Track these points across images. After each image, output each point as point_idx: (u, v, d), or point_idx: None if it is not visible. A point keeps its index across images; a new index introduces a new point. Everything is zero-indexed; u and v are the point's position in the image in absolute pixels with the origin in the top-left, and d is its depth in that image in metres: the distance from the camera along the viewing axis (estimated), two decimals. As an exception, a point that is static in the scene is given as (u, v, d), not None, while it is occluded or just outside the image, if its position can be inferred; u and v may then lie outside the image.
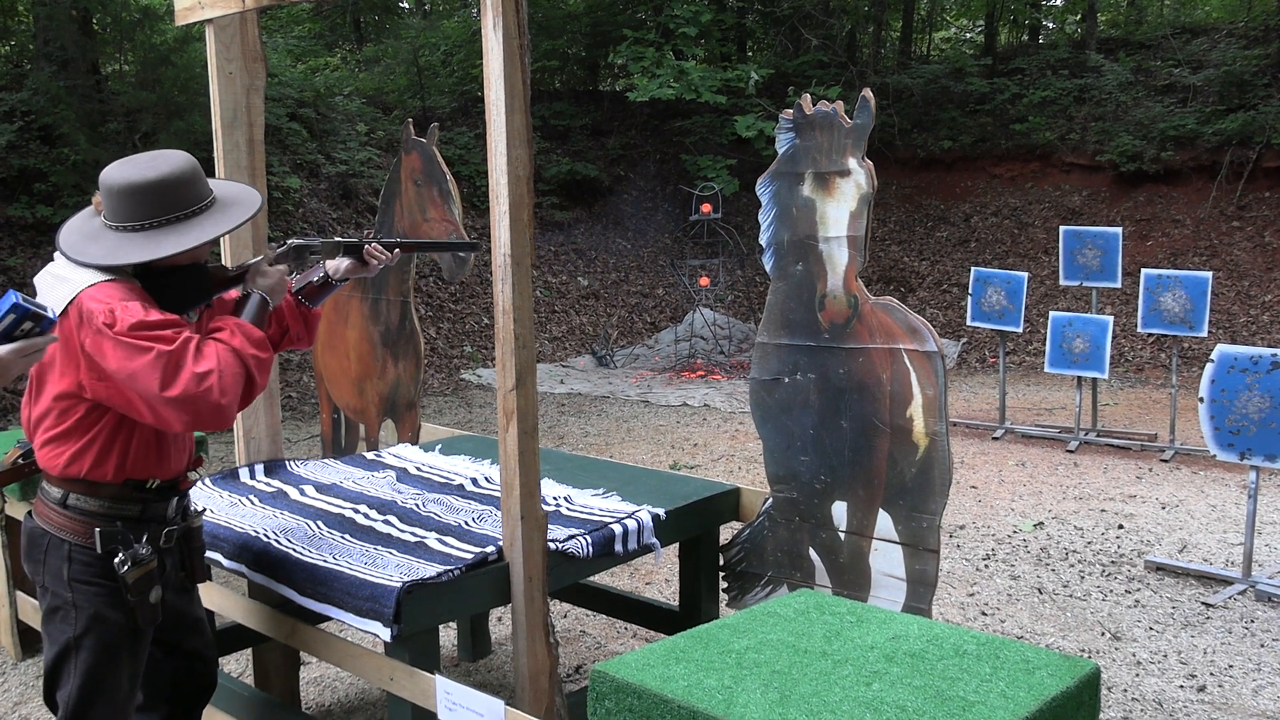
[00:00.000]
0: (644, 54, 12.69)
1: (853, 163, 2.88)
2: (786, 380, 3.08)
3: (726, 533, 3.32)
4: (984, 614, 4.44)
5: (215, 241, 2.36)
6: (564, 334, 12.22)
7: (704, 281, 11.45)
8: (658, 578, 4.89)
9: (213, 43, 3.30)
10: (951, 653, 2.08)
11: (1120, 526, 5.60)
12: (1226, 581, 4.72)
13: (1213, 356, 4.60)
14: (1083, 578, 4.86)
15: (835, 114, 2.90)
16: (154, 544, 2.35)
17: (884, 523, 2.94)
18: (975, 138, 13.99)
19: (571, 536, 2.79)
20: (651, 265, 13.89)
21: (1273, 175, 11.87)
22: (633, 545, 2.90)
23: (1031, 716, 1.85)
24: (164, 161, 2.32)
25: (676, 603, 3.72)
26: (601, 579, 4.43)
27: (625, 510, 3.01)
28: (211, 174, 2.63)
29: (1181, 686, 3.76)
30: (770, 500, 3.17)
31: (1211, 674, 3.86)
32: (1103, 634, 4.21)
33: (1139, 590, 4.70)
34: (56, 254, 2.32)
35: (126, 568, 2.27)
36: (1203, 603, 4.53)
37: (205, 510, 2.71)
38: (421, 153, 3.95)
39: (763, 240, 3.07)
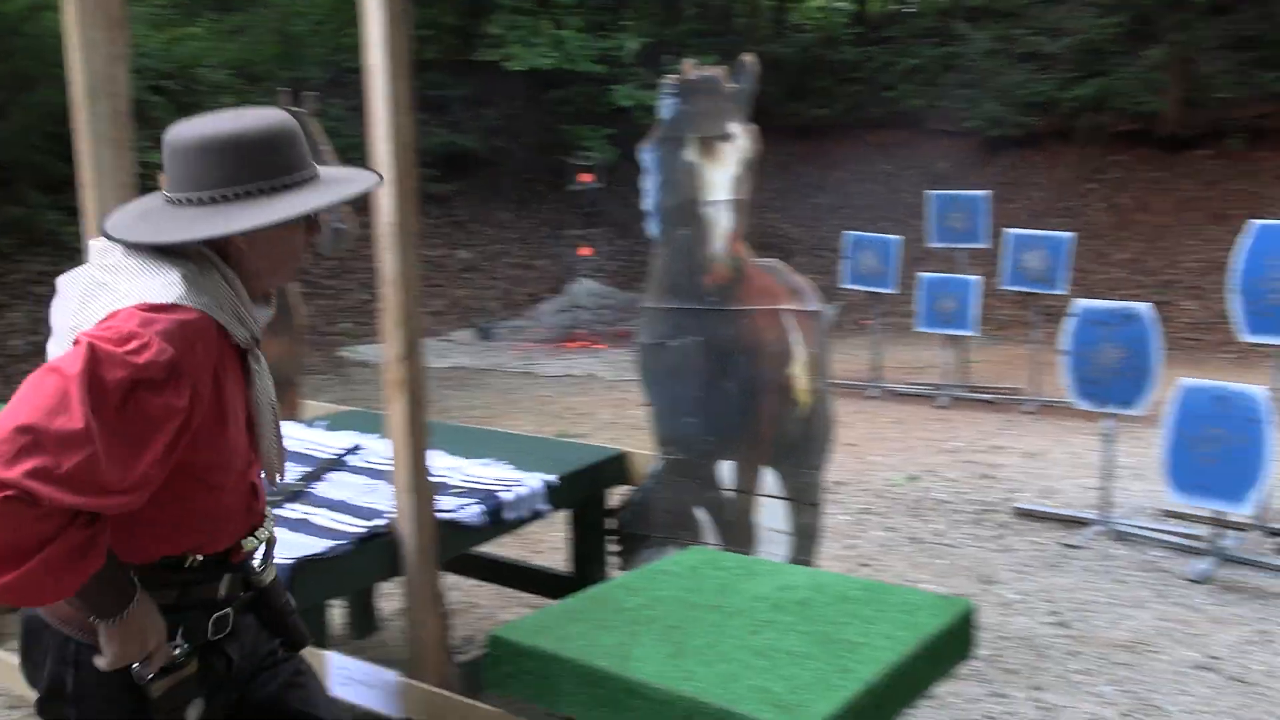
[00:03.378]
0: (520, 23, 12.57)
1: (735, 127, 2.93)
2: (672, 343, 3.13)
3: (616, 498, 3.37)
4: (863, 565, 4.61)
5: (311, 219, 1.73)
6: (444, 308, 12.09)
7: (585, 251, 11.47)
8: (546, 545, 4.92)
9: (73, 8, 3.15)
10: (837, 599, 2.18)
11: (988, 476, 5.86)
12: (1086, 523, 4.99)
13: (1073, 311, 4.84)
14: (954, 526, 5.08)
15: (717, 79, 2.95)
16: (195, 638, 1.64)
17: (769, 480, 3.03)
18: (848, 105, 14.29)
19: (462, 506, 2.79)
20: (532, 236, 13.82)
21: (1126, 139, 12.46)
22: (524, 512, 2.93)
23: (913, 653, 1.95)
24: (255, 116, 1.66)
25: (567, 569, 3.76)
26: (490, 549, 4.44)
27: (515, 478, 3.03)
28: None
29: (1045, 623, 3.98)
30: (658, 463, 3.23)
31: (1072, 610, 4.09)
32: (974, 578, 4.42)
33: (1006, 536, 4.93)
34: (95, 246, 1.63)
35: (151, 678, 1.58)
36: (1064, 544, 4.79)
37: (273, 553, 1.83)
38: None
39: (647, 206, 3.11)
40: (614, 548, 3.39)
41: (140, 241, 1.55)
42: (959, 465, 6.12)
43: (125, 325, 1.44)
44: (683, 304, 3.07)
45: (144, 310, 1.46)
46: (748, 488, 3.07)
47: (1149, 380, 4.68)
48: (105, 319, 1.46)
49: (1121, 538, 4.85)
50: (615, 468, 3.35)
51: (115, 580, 1.51)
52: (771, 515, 3.04)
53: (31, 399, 1.36)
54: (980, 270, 11.03)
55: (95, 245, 1.60)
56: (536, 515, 2.98)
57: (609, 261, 12.78)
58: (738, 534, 3.12)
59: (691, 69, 2.97)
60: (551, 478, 3.04)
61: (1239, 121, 11.69)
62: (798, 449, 2.95)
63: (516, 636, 2.06)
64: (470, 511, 2.78)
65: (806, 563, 2.99)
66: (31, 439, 1.32)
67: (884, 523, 5.18)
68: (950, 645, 2.08)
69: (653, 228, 3.09)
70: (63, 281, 1.63)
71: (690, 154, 2.99)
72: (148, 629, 1.56)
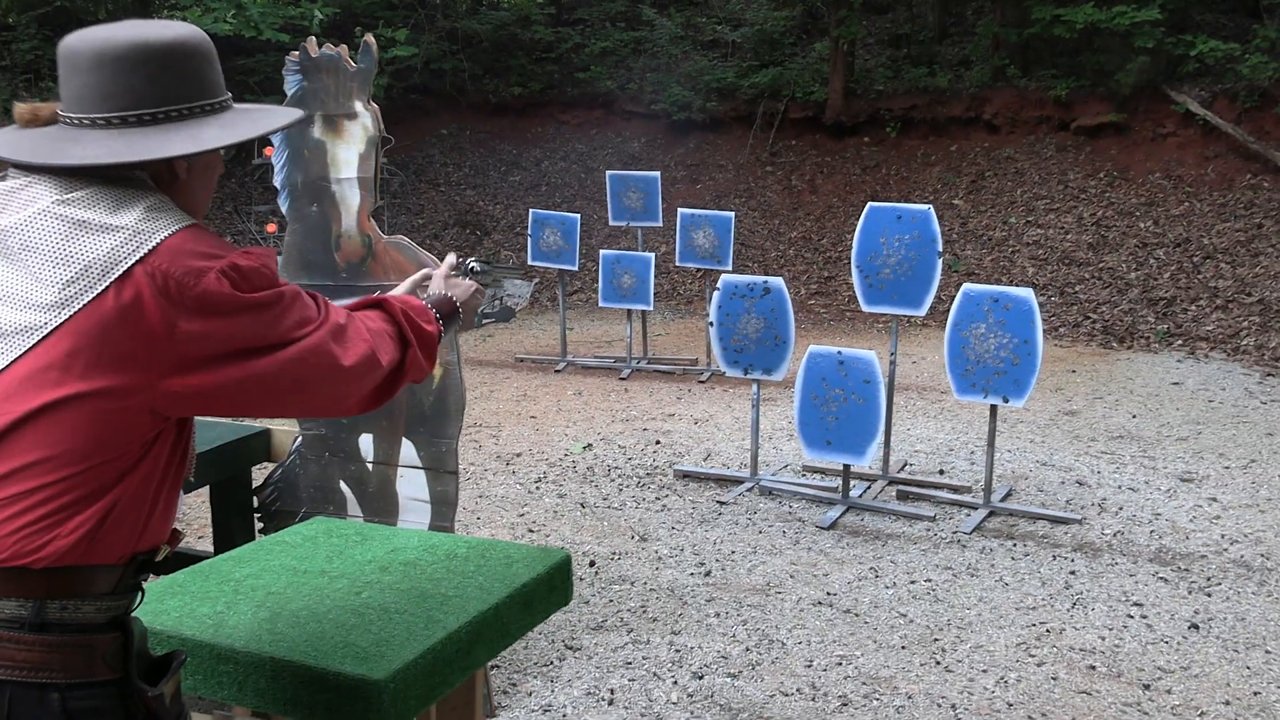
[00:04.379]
0: (196, -16, 11.88)
1: (359, 106, 2.98)
2: (308, 320, 3.15)
3: (259, 474, 3.35)
4: (530, 531, 4.80)
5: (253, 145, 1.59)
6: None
7: (271, 228, 11.07)
8: (190, 529, 4.79)
9: None
10: (443, 557, 2.30)
11: (658, 442, 6.22)
12: (739, 481, 5.43)
13: (718, 285, 5.22)
14: (620, 490, 5.37)
15: (340, 57, 2.98)
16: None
17: (407, 451, 3.12)
18: (544, 85, 14.50)
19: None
20: (216, 213, 13.16)
21: (798, 125, 13.39)
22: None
23: (503, 602, 2.09)
24: (178, 26, 1.43)
25: (211, 549, 3.69)
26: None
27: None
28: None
29: (691, 574, 4.32)
30: (300, 438, 3.24)
31: (717, 560, 4.45)
32: (632, 537, 4.71)
33: (667, 496, 5.28)
34: (14, 184, 1.37)
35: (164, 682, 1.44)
36: (718, 501, 5.19)
37: None
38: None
39: (276, 182, 3.10)
40: (260, 525, 3.37)
41: (97, 164, 1.33)
42: (632, 433, 6.45)
43: (203, 247, 1.35)
44: (316, 280, 3.09)
45: (186, 238, 1.35)
46: (387, 460, 3.14)
47: (787, 348, 5.14)
48: (175, 257, 1.31)
49: (768, 493, 5.30)
50: (258, 444, 3.33)
51: (439, 330, 1.75)
52: (412, 485, 3.13)
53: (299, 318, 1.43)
54: (667, 247, 11.59)
55: (14, 184, 1.37)
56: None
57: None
58: (380, 504, 3.19)
59: (314, 46, 2.99)
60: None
61: (893, 111, 12.84)
62: (431, 420, 3.06)
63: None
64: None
65: (445, 528, 3.10)
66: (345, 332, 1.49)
67: (557, 490, 5.40)
68: (545, 594, 2.25)
69: (284, 204, 3.08)
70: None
71: (317, 131, 3.01)
72: (471, 302, 1.92)
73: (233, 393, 1.38)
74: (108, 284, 1.29)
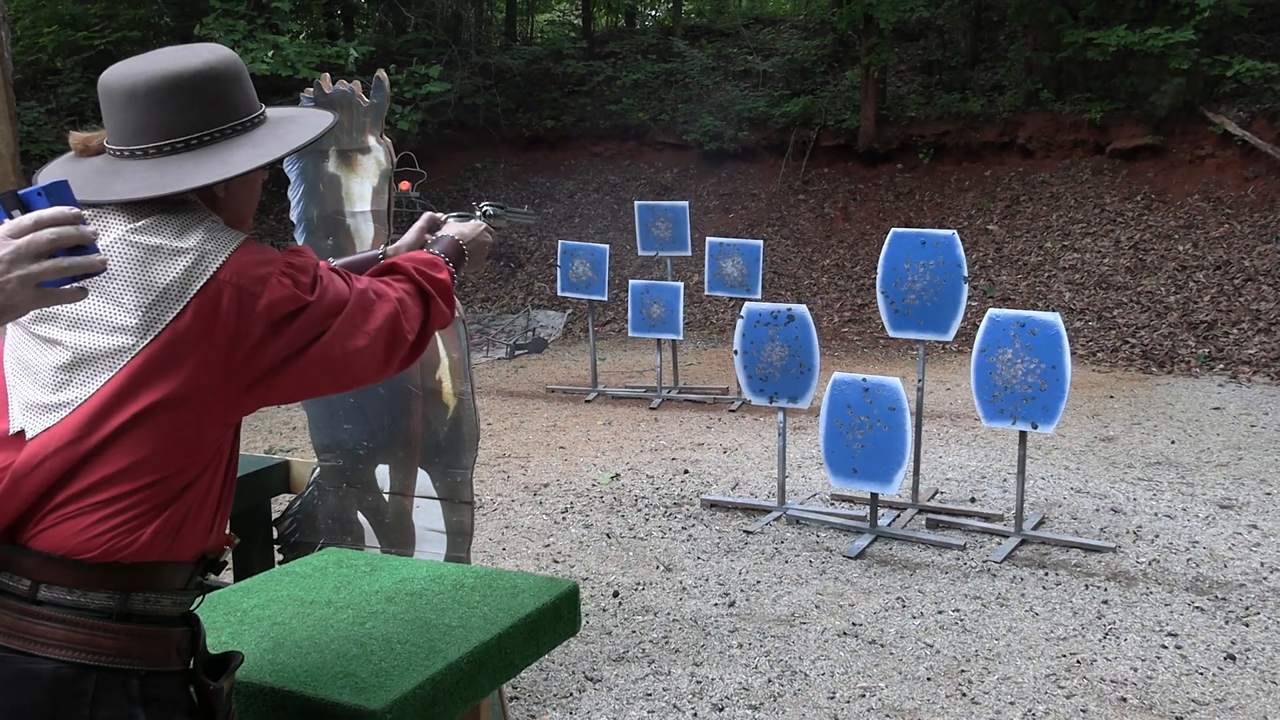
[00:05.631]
0: (235, 26, 12.14)
1: (372, 140, 3.02)
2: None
3: (278, 507, 3.37)
4: (555, 561, 4.79)
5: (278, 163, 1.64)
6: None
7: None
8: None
9: None
10: (450, 588, 2.29)
11: (686, 472, 6.20)
12: (766, 510, 5.38)
13: (742, 313, 5.20)
14: (647, 520, 5.35)
15: (353, 93, 3.02)
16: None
17: (423, 481, 3.13)
18: (576, 117, 14.63)
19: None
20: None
21: (830, 153, 13.39)
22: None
23: (506, 632, 2.09)
24: (204, 51, 1.53)
25: (231, 580, 3.71)
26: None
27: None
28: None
29: (715, 604, 4.28)
30: (318, 470, 3.26)
31: (741, 590, 4.41)
32: (657, 567, 4.68)
33: (694, 526, 5.24)
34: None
35: (224, 678, 1.57)
36: (744, 531, 5.14)
37: None
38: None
39: (293, 216, 3.14)
40: (279, 557, 3.39)
41: (149, 196, 1.43)
42: (661, 462, 6.43)
43: (260, 256, 1.47)
44: (332, 312, 3.12)
45: (246, 252, 1.46)
46: (404, 490, 3.15)
47: (812, 376, 5.10)
48: (241, 269, 1.43)
49: (795, 522, 5.25)
50: (276, 476, 3.35)
51: (451, 275, 1.83)
52: (428, 515, 3.14)
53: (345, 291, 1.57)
54: (699, 277, 11.59)
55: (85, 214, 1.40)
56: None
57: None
58: (397, 535, 3.20)
59: (328, 83, 3.03)
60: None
61: (926, 138, 12.80)
62: (447, 450, 3.06)
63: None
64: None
65: (462, 558, 3.10)
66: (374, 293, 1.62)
67: (583, 520, 5.38)
68: (552, 624, 2.24)
69: (299, 238, 3.12)
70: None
71: (332, 165, 3.05)
72: (479, 240, 2.01)
73: (295, 383, 1.51)
74: (185, 303, 1.40)
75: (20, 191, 1.20)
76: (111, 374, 1.39)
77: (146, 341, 1.38)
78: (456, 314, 2.95)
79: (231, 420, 1.50)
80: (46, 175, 1.50)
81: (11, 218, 1.18)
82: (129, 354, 1.39)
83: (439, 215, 2.10)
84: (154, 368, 1.39)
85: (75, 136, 1.55)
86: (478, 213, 2.22)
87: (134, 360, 1.38)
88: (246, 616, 2.13)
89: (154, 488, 1.41)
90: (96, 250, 1.22)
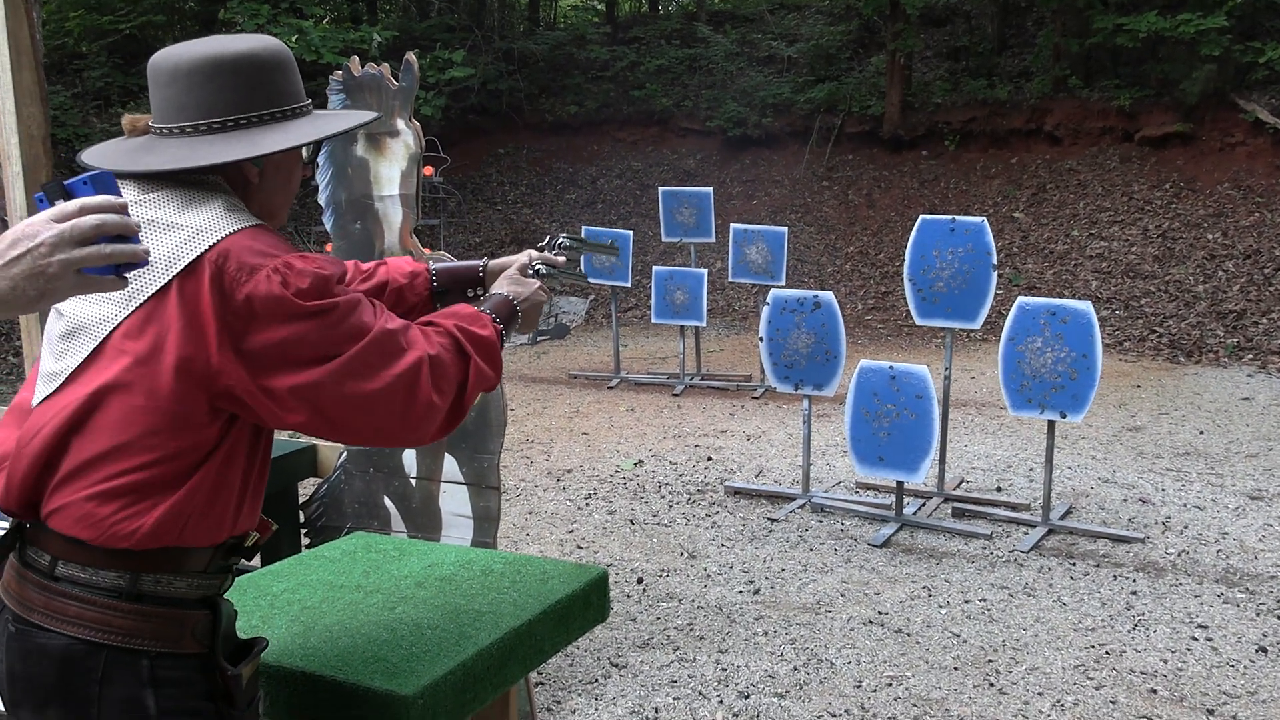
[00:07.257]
0: (259, 10, 12.15)
1: (401, 123, 3.00)
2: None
3: (305, 490, 3.38)
4: (579, 547, 4.78)
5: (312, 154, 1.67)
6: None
7: (329, 248, 11.24)
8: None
9: None
10: (479, 573, 2.28)
11: (709, 459, 6.18)
12: (791, 498, 5.36)
13: (768, 300, 5.17)
14: (671, 506, 5.34)
15: (382, 76, 3.00)
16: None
17: (450, 466, 3.12)
18: (599, 103, 14.59)
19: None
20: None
21: (854, 140, 13.30)
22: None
23: (536, 618, 2.07)
24: (253, 39, 1.53)
25: (258, 564, 3.73)
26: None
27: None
28: None
29: (740, 592, 4.26)
30: (344, 454, 3.26)
31: (766, 578, 4.40)
32: (681, 554, 4.67)
33: (718, 513, 5.23)
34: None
35: (244, 664, 1.52)
36: (769, 518, 5.12)
37: None
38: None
39: (321, 200, 3.14)
40: (306, 541, 3.39)
41: (163, 170, 1.44)
42: (684, 449, 6.42)
43: (261, 245, 1.40)
44: (360, 296, 3.12)
45: (246, 237, 1.41)
46: (430, 475, 3.15)
47: (838, 363, 5.07)
48: (233, 253, 1.38)
49: (820, 510, 5.23)
50: (304, 460, 3.35)
51: (500, 335, 1.68)
52: (455, 500, 3.13)
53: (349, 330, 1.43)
54: (721, 263, 11.55)
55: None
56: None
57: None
58: (424, 520, 3.19)
59: (357, 65, 3.02)
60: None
61: (952, 124, 12.70)
62: (474, 435, 3.06)
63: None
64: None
65: (488, 544, 3.10)
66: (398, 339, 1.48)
67: (606, 506, 5.38)
68: (581, 610, 2.23)
69: (328, 222, 3.12)
70: None
71: (360, 149, 3.04)
72: (533, 300, 1.82)
73: (303, 405, 1.41)
74: (170, 277, 1.37)
75: (66, 181, 1.20)
76: (95, 344, 1.39)
77: (128, 313, 1.38)
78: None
79: (221, 410, 1.42)
80: (90, 156, 1.51)
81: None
82: (110, 324, 1.39)
83: (533, 252, 1.95)
84: (130, 339, 1.37)
85: (127, 118, 1.57)
86: (552, 244, 2.05)
87: (115, 330, 1.38)
88: (276, 600, 2.13)
89: (150, 469, 1.38)
90: (139, 240, 1.21)
